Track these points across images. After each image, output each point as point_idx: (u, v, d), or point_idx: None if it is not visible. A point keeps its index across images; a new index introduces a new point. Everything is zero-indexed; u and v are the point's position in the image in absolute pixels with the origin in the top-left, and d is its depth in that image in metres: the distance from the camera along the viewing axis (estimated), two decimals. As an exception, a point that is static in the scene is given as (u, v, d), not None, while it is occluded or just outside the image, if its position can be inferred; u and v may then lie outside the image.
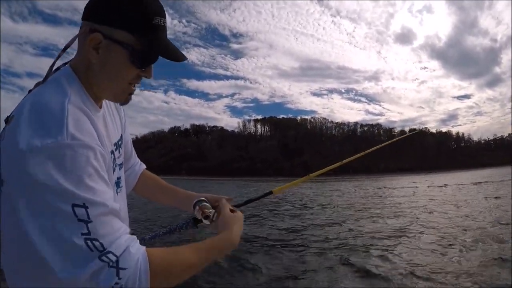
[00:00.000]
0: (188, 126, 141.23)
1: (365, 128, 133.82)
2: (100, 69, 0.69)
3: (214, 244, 0.74)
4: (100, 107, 0.76)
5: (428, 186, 24.90)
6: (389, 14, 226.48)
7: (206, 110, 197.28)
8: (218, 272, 4.47)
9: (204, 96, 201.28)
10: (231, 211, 0.91)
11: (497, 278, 3.97)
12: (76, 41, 0.70)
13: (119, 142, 0.87)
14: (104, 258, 0.53)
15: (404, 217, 9.24)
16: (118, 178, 0.83)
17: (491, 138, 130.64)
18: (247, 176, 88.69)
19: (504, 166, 63.50)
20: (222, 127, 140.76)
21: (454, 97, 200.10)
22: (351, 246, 5.94)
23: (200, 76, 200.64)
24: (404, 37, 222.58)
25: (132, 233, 0.61)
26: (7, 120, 0.61)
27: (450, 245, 5.71)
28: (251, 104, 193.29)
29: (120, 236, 0.57)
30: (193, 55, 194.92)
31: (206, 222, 0.93)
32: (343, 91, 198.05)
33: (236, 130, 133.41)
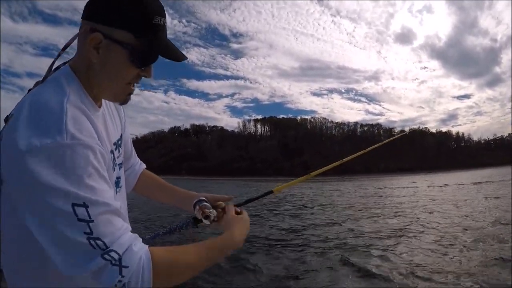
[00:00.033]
0: (188, 126, 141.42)
1: (365, 128, 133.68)
2: (100, 69, 0.69)
3: (217, 244, 0.74)
4: (100, 106, 0.76)
5: (428, 186, 24.86)
6: (389, 14, 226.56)
7: (206, 110, 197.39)
8: (218, 272, 4.46)
9: (204, 96, 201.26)
10: (238, 213, 0.91)
11: (497, 278, 3.97)
12: (76, 41, 0.70)
13: (119, 142, 0.87)
14: (106, 256, 0.53)
15: (404, 217, 9.23)
16: (118, 178, 0.83)
17: (491, 138, 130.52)
18: (247, 176, 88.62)
19: (504, 166, 63.34)
20: (222, 127, 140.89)
21: (454, 97, 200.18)
22: (351, 246, 5.93)
23: (200, 76, 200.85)
24: (404, 37, 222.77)
25: (133, 232, 0.61)
26: (6, 119, 0.61)
27: (450, 245, 5.70)
28: (251, 104, 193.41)
29: (122, 234, 0.57)
30: (193, 55, 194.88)
31: (206, 222, 0.93)
32: (343, 91, 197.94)
33: (236, 130, 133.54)
